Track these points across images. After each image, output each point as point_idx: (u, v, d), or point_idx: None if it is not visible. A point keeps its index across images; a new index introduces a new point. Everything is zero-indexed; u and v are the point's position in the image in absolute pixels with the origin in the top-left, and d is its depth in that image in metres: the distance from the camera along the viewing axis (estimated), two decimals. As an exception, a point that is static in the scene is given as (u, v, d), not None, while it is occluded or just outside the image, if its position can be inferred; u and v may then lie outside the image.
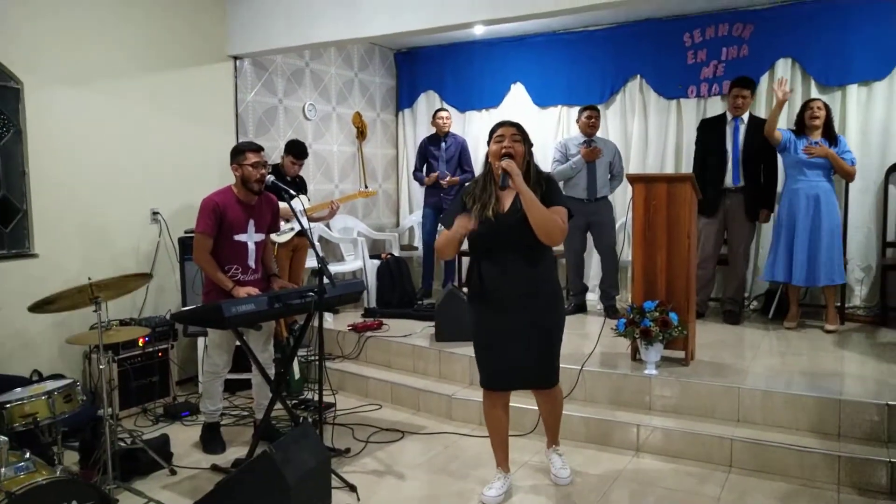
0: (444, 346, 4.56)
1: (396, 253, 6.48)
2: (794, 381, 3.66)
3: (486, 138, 3.01)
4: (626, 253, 5.37)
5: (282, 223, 4.55)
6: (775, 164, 4.99)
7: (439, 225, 6.19)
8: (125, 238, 4.66)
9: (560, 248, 4.56)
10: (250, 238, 3.65)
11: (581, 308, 5.51)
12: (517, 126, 2.93)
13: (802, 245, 4.59)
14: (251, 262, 3.67)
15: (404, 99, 7.23)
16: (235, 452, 3.71)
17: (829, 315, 4.77)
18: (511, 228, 2.85)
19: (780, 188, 5.08)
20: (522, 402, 3.67)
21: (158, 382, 4.45)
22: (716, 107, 5.60)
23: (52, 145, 4.20)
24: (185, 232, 4.71)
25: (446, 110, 6.28)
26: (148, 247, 4.80)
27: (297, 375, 4.62)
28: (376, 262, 5.98)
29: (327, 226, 5.98)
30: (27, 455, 2.54)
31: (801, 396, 3.46)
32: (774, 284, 5.14)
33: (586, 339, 4.49)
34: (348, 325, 5.13)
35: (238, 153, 3.60)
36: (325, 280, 3.24)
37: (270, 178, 3.62)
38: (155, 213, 4.83)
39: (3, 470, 2.39)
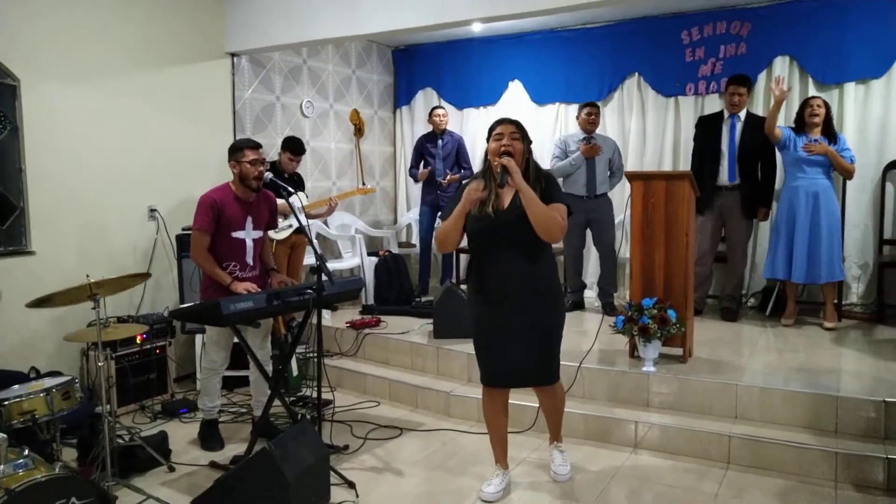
0: (442, 343, 4.57)
1: (394, 250, 6.48)
2: (792, 378, 3.67)
3: (485, 135, 3.01)
4: (624, 250, 5.39)
5: (280, 220, 4.55)
6: (773, 161, 4.99)
7: (436, 222, 6.20)
8: (123, 235, 4.65)
9: (559, 245, 4.56)
10: (248, 235, 3.64)
11: (579, 305, 5.52)
12: (516, 124, 2.93)
13: (802, 242, 4.60)
14: (249, 259, 3.66)
15: (402, 96, 7.23)
16: (234, 449, 3.71)
17: (827, 313, 4.79)
18: (511, 225, 2.85)
19: (778, 186, 5.10)
20: (521, 399, 3.68)
21: (156, 379, 4.45)
22: (714, 104, 5.60)
23: (49, 142, 4.18)
24: (183, 229, 4.70)
25: (443, 107, 6.28)
26: (145, 244, 4.79)
27: (295, 372, 4.61)
28: (374, 259, 5.98)
29: (325, 223, 5.97)
30: (26, 452, 2.53)
31: (798, 393, 3.47)
32: (772, 281, 5.15)
33: (584, 336, 4.50)
34: (346, 322, 5.13)
35: (236, 150, 3.59)
36: (324, 277, 3.24)
37: (269, 175, 3.62)
38: (152, 210, 4.82)
39: (2, 467, 2.39)
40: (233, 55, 5.37)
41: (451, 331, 4.61)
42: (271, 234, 4.20)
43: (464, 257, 6.47)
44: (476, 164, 6.38)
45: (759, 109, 5.40)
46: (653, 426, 3.59)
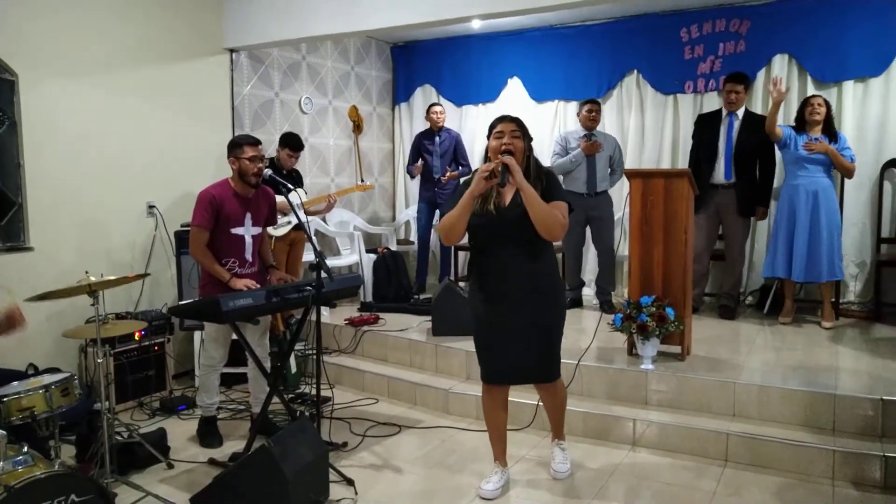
0: (440, 341, 4.57)
1: (393, 247, 6.48)
2: (790, 376, 3.68)
3: (483, 132, 3.01)
4: (622, 248, 5.40)
5: (279, 217, 4.54)
6: (772, 160, 4.99)
7: (434, 219, 6.20)
8: (121, 232, 4.64)
9: (558, 242, 4.57)
10: (247, 231, 3.64)
11: (577, 303, 5.52)
12: (517, 121, 2.92)
13: (802, 241, 4.60)
14: (248, 256, 3.66)
15: (401, 93, 7.22)
16: (232, 446, 3.71)
17: (825, 312, 4.80)
18: (512, 223, 2.85)
19: (777, 184, 5.11)
20: (520, 397, 3.69)
21: (155, 376, 4.45)
22: (712, 102, 5.60)
23: (47, 138, 4.17)
24: (182, 226, 4.69)
25: (440, 105, 6.28)
26: (144, 240, 4.79)
27: (293, 369, 4.61)
28: (372, 256, 5.98)
29: (323, 220, 5.97)
30: (25, 449, 2.53)
31: (796, 391, 3.48)
32: (770, 280, 5.16)
33: (583, 333, 4.51)
34: (345, 320, 5.13)
35: (235, 146, 3.58)
36: (323, 274, 3.23)
37: (268, 172, 3.61)
38: (151, 207, 4.81)
39: (1, 464, 2.38)
40: (231, 51, 5.36)
41: (450, 328, 4.61)
42: (270, 230, 4.20)
43: (462, 254, 6.48)
44: (474, 162, 6.39)
45: (758, 107, 5.40)
46: (651, 424, 3.59)
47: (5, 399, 2.82)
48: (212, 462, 3.52)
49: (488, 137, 2.95)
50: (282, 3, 4.91)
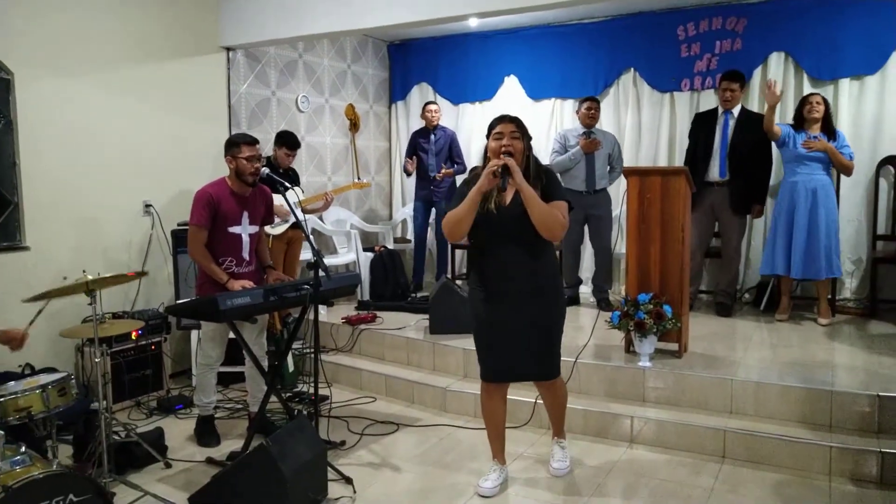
0: (438, 339, 4.57)
1: (390, 246, 6.48)
2: (786, 373, 3.69)
3: (480, 130, 3.01)
4: (620, 245, 5.41)
5: (276, 218, 4.54)
6: (768, 158, 5.00)
7: (430, 217, 6.21)
8: (118, 230, 4.63)
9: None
10: (244, 230, 3.63)
11: (574, 301, 5.52)
12: (516, 121, 2.92)
13: (801, 238, 4.60)
14: (245, 255, 3.65)
15: (397, 91, 7.21)
16: (230, 445, 3.70)
17: (821, 309, 4.81)
18: (512, 222, 2.85)
19: (773, 182, 5.12)
20: (518, 395, 3.70)
21: (152, 375, 4.44)
22: (709, 100, 5.61)
23: (43, 136, 4.16)
24: (179, 224, 4.69)
25: (436, 103, 6.28)
26: (140, 239, 4.78)
27: (290, 368, 4.61)
28: (369, 254, 5.97)
29: (320, 218, 5.96)
30: (23, 449, 2.52)
31: (793, 388, 3.49)
32: (766, 277, 5.17)
33: (580, 331, 4.51)
34: (342, 318, 5.13)
35: (233, 145, 3.57)
36: (321, 273, 3.23)
37: (265, 170, 3.61)
38: (147, 206, 4.80)
39: (-1, 464, 2.38)
40: (228, 49, 5.35)
41: (447, 326, 4.61)
42: (267, 229, 4.19)
43: (459, 252, 6.48)
44: (469, 160, 6.39)
45: (755, 106, 5.41)
46: (649, 421, 3.60)
47: (2, 399, 2.81)
48: (209, 461, 3.52)
49: (487, 137, 2.95)
50: (278, 1, 4.90)
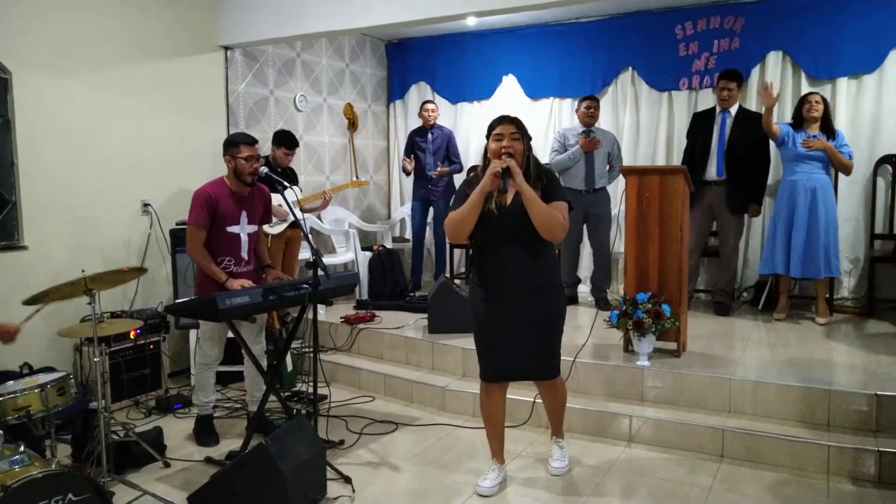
0: (436, 338, 4.57)
1: (388, 245, 6.48)
2: (785, 372, 3.70)
3: (478, 129, 3.02)
4: (618, 244, 5.41)
5: (274, 219, 4.54)
6: (766, 157, 5.01)
7: (428, 216, 6.20)
8: (116, 230, 4.62)
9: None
10: (243, 230, 3.63)
11: (573, 300, 5.52)
12: (516, 122, 2.92)
13: (800, 237, 4.61)
14: (244, 254, 3.65)
15: (395, 90, 7.21)
16: (229, 445, 3.70)
17: (819, 308, 4.82)
18: (513, 222, 2.86)
19: (771, 181, 5.12)
20: (517, 394, 3.70)
21: (150, 375, 4.43)
22: (707, 99, 5.61)
23: (41, 136, 4.16)
24: (177, 224, 4.68)
25: (433, 102, 6.27)
26: (139, 239, 4.77)
27: (289, 367, 4.61)
28: (368, 254, 5.97)
29: (319, 217, 5.96)
30: (22, 448, 2.52)
31: (791, 387, 3.49)
32: (764, 276, 5.18)
33: (579, 330, 4.51)
34: (340, 318, 5.13)
35: (232, 145, 3.56)
36: (320, 272, 3.23)
37: (264, 170, 3.61)
38: (146, 205, 4.80)
39: (-2, 463, 2.38)
40: (226, 48, 5.34)
41: (446, 325, 4.61)
42: (266, 228, 4.19)
43: (458, 252, 6.48)
44: (467, 159, 6.39)
45: (752, 105, 5.42)
46: (647, 420, 3.61)
47: (1, 398, 2.80)
48: (208, 460, 3.52)
49: (487, 138, 2.95)
50: (276, 0, 4.89)
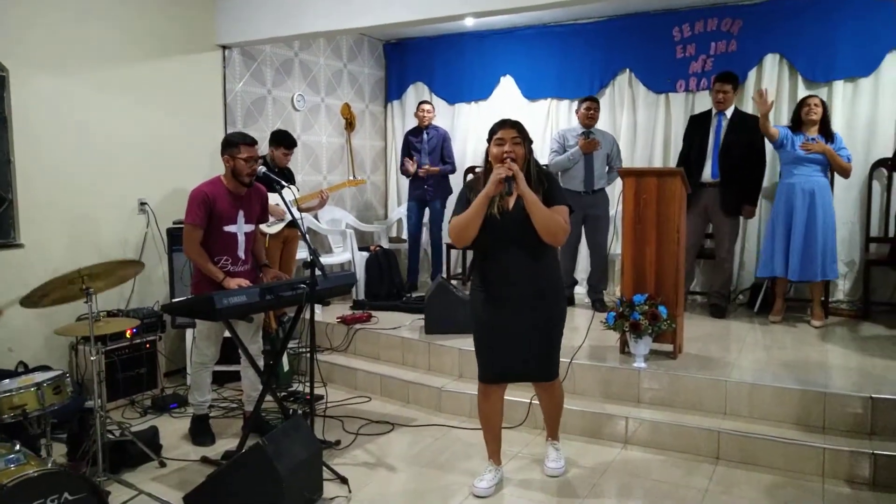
0: (433, 339, 4.57)
1: (385, 245, 6.47)
2: (780, 375, 3.70)
3: (475, 130, 3.02)
4: (615, 246, 5.42)
5: (271, 219, 4.54)
6: (761, 159, 5.02)
7: (424, 217, 6.20)
8: (112, 229, 4.61)
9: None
10: (240, 229, 3.62)
11: (570, 301, 5.54)
12: (517, 126, 2.92)
13: (798, 240, 4.61)
14: (241, 254, 3.64)
15: (393, 90, 7.21)
16: (225, 444, 3.70)
17: (814, 311, 4.83)
18: (515, 226, 2.87)
19: (767, 183, 5.14)
20: (514, 395, 3.70)
21: (146, 374, 4.42)
22: (704, 101, 5.62)
23: (38, 134, 4.14)
24: (174, 223, 4.67)
25: (430, 103, 6.27)
26: (135, 238, 4.76)
27: (285, 368, 4.60)
28: (365, 254, 5.97)
29: (316, 217, 5.96)
30: (17, 447, 2.52)
31: (786, 389, 3.50)
32: (760, 279, 5.19)
33: (575, 332, 4.51)
34: (337, 318, 5.12)
35: (231, 145, 3.54)
36: (318, 272, 3.23)
37: (262, 169, 3.60)
38: (142, 204, 4.79)
39: (-7, 462, 2.38)
40: (224, 48, 5.34)
41: (443, 326, 4.61)
42: (263, 227, 4.19)
43: (454, 253, 6.49)
44: (465, 160, 6.39)
45: (749, 107, 5.43)
46: (643, 422, 3.61)
47: (-3, 397, 2.80)
48: (204, 460, 3.51)
49: (488, 142, 2.94)
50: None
